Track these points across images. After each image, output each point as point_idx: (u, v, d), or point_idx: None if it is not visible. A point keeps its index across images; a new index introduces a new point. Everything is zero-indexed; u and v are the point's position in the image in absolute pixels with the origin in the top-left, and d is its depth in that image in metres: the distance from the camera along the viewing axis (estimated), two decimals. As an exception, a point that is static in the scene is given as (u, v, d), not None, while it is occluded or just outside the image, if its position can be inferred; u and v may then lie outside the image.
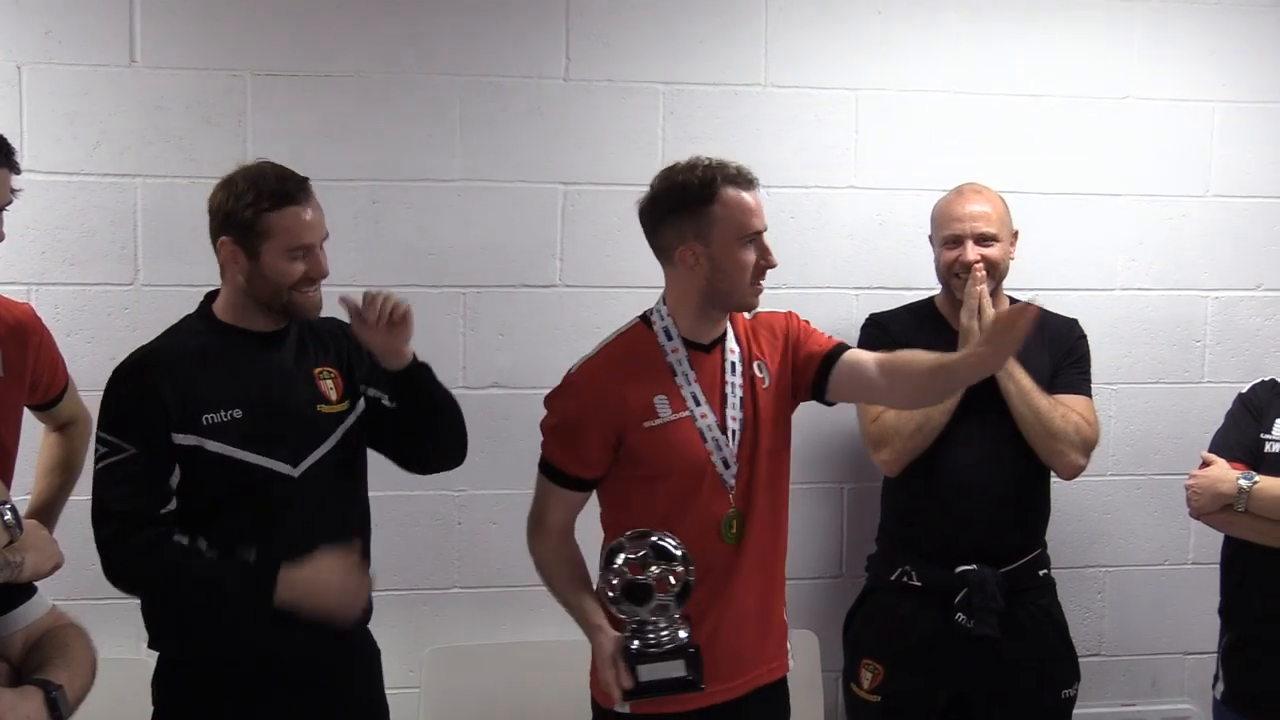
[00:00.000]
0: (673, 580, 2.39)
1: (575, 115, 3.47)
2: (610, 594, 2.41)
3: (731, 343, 2.65)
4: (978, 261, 3.10)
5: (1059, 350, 3.20)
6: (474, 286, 3.45)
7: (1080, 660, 3.27)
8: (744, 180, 2.56)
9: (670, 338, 2.60)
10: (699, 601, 2.51)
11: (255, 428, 2.53)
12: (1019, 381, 3.06)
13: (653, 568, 2.39)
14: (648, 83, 3.50)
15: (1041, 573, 3.22)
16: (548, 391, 2.61)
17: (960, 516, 3.13)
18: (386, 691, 2.81)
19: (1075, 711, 3.23)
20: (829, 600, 3.62)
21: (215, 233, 2.56)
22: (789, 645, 2.74)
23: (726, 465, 2.58)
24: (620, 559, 2.40)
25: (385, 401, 2.68)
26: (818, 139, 3.60)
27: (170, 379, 2.49)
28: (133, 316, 3.25)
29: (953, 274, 3.15)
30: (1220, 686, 3.06)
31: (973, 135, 3.64)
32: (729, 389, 2.61)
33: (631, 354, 2.61)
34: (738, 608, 2.59)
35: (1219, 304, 3.81)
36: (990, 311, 3.06)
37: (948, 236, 3.16)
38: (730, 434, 2.58)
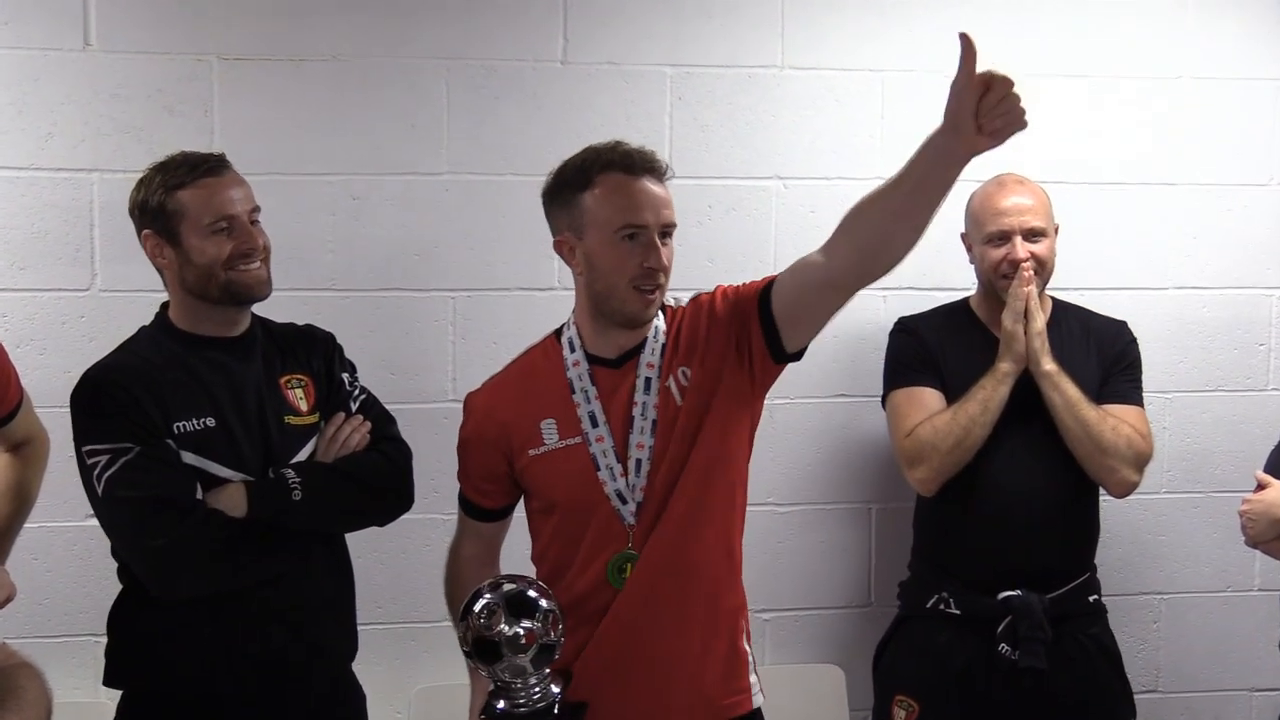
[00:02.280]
0: (525, 640, 2.24)
1: (574, 101, 3.47)
2: (464, 648, 2.28)
3: (652, 355, 2.57)
4: (1028, 259, 3.09)
5: (1107, 356, 3.21)
6: (464, 290, 3.45)
7: (1135, 697, 3.27)
8: (635, 165, 2.48)
9: (573, 350, 2.58)
10: (583, 647, 2.51)
11: (227, 439, 2.56)
12: (1065, 391, 3.06)
13: (503, 625, 2.23)
14: (653, 65, 3.51)
15: (1091, 598, 3.24)
16: None
17: (1003, 538, 3.14)
18: (370, 735, 2.81)
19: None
20: (857, 632, 3.63)
21: (139, 233, 2.62)
22: (753, 679, 2.64)
23: (623, 500, 2.52)
24: (478, 607, 2.25)
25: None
26: (839, 126, 3.60)
27: (140, 386, 2.52)
28: (89, 325, 3.23)
29: (1000, 274, 3.15)
30: None
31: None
32: (637, 411, 2.53)
33: (532, 371, 2.63)
34: (637, 656, 2.53)
35: (1286, 304, 3.80)
36: (1039, 316, 3.06)
37: (993, 233, 3.15)
38: (634, 463, 2.52)
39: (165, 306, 2.67)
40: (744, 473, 2.62)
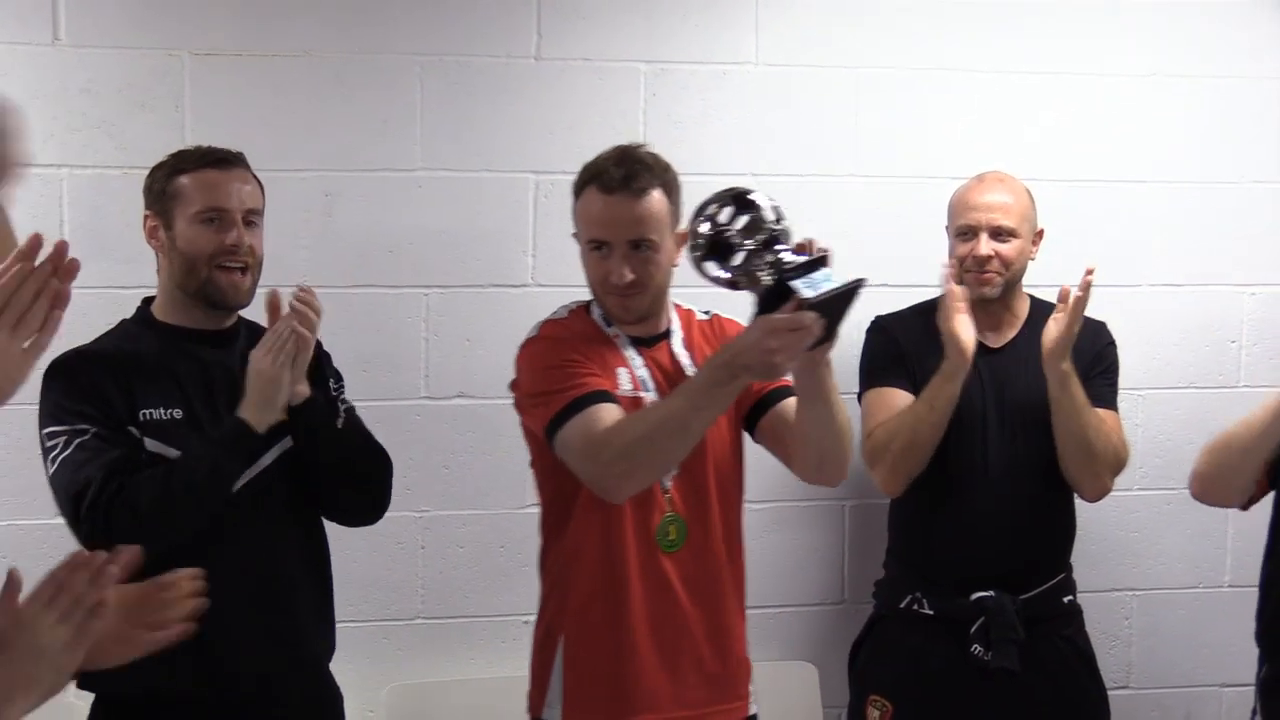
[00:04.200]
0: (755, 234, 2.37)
1: (548, 98, 3.50)
2: (696, 253, 2.40)
3: (679, 345, 2.68)
4: (991, 257, 3.11)
5: (1085, 357, 3.20)
6: (437, 286, 3.47)
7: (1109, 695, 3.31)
8: (612, 182, 2.56)
9: (610, 325, 2.66)
10: (641, 617, 2.55)
11: (195, 430, 2.56)
12: (1075, 395, 3.07)
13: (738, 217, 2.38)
14: (628, 61, 3.54)
15: (1066, 599, 3.26)
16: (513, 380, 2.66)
17: (975, 539, 3.16)
18: (342, 735, 2.83)
19: (1102, 751, 3.26)
20: (830, 629, 3.67)
21: (145, 214, 2.64)
22: (752, 688, 2.74)
23: None
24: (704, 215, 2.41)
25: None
26: (814, 123, 3.64)
27: (105, 372, 2.55)
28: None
29: (964, 269, 3.15)
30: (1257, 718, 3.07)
31: (985, 117, 3.70)
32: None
33: (581, 329, 2.66)
34: (682, 626, 2.61)
35: (1256, 300, 3.85)
36: (963, 332, 3.06)
37: (961, 226, 3.18)
38: None
39: (147, 301, 2.70)
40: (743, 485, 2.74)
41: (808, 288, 2.28)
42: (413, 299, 3.45)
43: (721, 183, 3.48)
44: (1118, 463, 3.16)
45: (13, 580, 1.73)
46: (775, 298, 2.30)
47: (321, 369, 2.76)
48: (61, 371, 2.56)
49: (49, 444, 2.51)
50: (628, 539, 2.57)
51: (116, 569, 1.75)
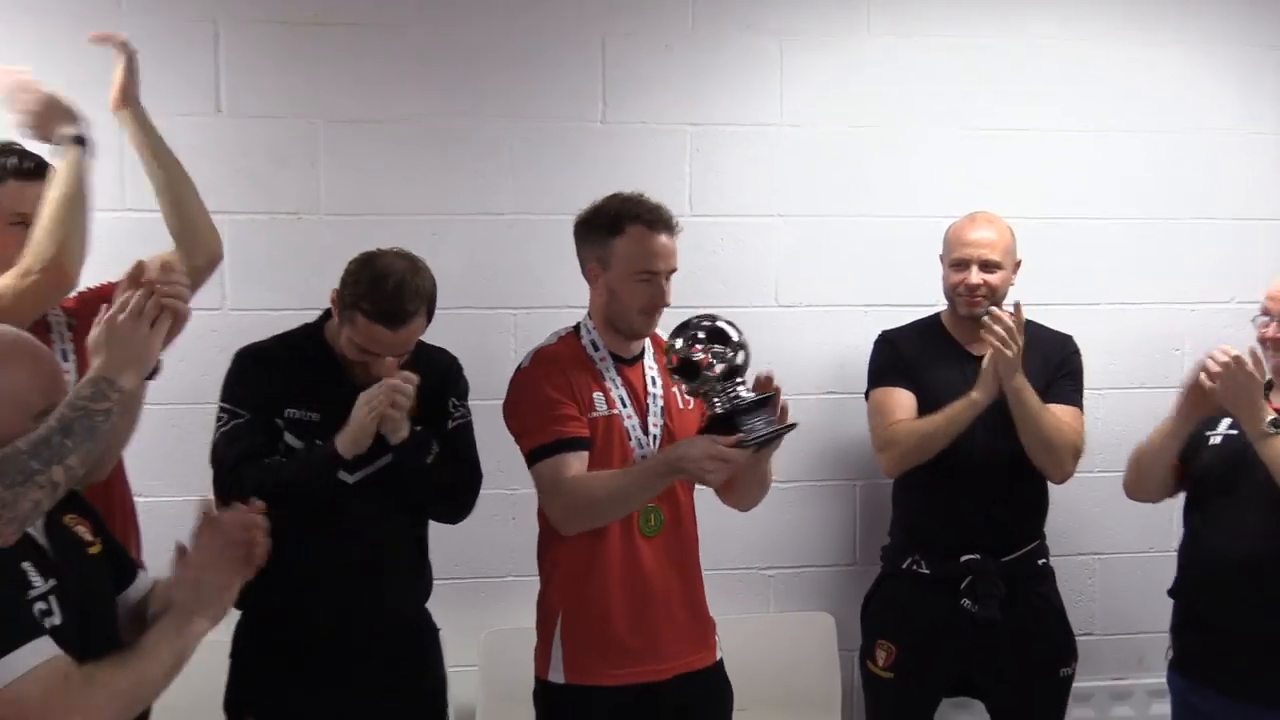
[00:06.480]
0: (720, 363, 2.54)
1: (612, 154, 3.66)
2: (669, 366, 2.62)
3: (650, 360, 2.84)
4: (980, 285, 3.22)
5: (1050, 364, 3.34)
6: (523, 307, 3.63)
7: (1076, 639, 3.39)
8: (658, 222, 2.69)
9: (597, 349, 2.78)
10: (623, 592, 2.68)
11: (327, 433, 2.69)
12: (1030, 405, 3.19)
13: (710, 348, 2.53)
14: (677, 125, 3.71)
15: (1040, 562, 3.38)
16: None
17: (965, 512, 3.26)
18: (447, 669, 3.00)
19: (1072, 685, 3.37)
20: (843, 585, 3.82)
21: (334, 291, 2.77)
22: (716, 639, 2.89)
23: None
24: (682, 339, 2.58)
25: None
26: (830, 172, 3.79)
27: (269, 368, 2.76)
28: (221, 338, 3.37)
29: (956, 294, 3.28)
30: (1170, 653, 3.15)
31: (973, 165, 3.83)
32: (650, 399, 2.78)
33: (568, 356, 2.77)
34: (658, 598, 2.74)
35: (1196, 315, 3.97)
36: (1013, 346, 3.13)
37: (956, 259, 3.30)
38: (651, 436, 2.77)
39: (328, 313, 2.82)
40: None
41: (751, 427, 2.50)
42: (503, 318, 3.62)
43: (752, 222, 3.68)
44: (1076, 452, 3.26)
45: (183, 549, 2.01)
46: (722, 422, 2.54)
47: (445, 385, 2.85)
48: (242, 359, 2.81)
49: (219, 414, 2.76)
50: (612, 527, 2.69)
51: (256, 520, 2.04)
